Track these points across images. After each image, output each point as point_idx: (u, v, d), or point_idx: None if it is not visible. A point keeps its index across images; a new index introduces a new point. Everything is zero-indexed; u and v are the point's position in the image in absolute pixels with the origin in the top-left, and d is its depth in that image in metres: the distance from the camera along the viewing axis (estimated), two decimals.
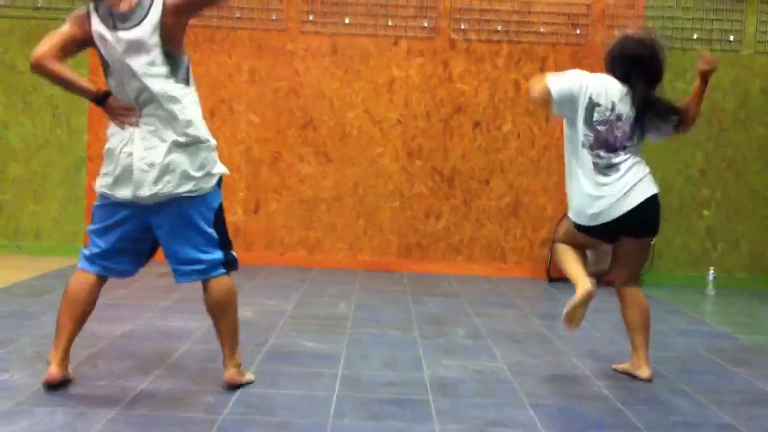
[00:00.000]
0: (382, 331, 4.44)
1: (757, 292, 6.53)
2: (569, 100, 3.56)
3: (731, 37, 6.66)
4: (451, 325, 4.72)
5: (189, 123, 3.05)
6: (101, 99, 3.12)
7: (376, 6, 6.63)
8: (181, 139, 3.03)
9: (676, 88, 6.66)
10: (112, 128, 3.17)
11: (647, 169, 3.65)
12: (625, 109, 3.55)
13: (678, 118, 3.66)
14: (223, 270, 3.17)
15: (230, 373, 3.23)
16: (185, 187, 3.04)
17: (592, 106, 3.54)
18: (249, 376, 3.36)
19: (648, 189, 3.61)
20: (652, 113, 3.59)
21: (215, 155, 3.16)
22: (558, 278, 6.58)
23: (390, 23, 6.63)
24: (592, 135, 3.56)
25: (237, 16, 6.59)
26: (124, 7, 3.00)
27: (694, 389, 3.59)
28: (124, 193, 3.06)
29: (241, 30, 6.59)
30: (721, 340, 4.67)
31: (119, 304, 4.81)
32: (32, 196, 6.69)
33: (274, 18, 6.60)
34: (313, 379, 3.44)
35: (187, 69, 3.11)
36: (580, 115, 3.56)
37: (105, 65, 3.10)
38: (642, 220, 3.61)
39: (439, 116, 6.69)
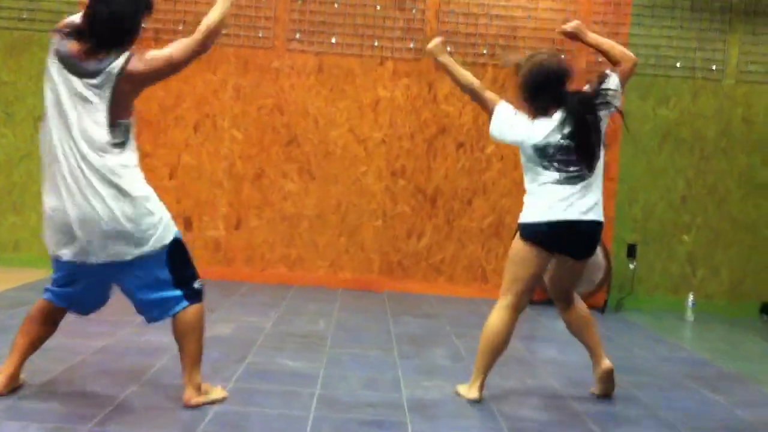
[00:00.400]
0: (362, 351, 4.42)
1: (736, 319, 6.56)
2: (512, 144, 3.68)
3: (714, 67, 6.74)
4: (431, 345, 4.70)
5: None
6: None
7: (363, 27, 6.65)
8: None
9: (658, 114, 6.74)
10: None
11: (600, 195, 3.64)
12: (570, 128, 3.52)
13: (605, 90, 3.62)
14: (185, 303, 3.16)
15: (187, 395, 3.20)
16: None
17: (541, 148, 3.55)
18: (217, 393, 3.31)
19: (600, 214, 3.62)
20: (593, 110, 3.57)
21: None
22: (538, 301, 6.58)
23: (376, 44, 6.65)
24: (553, 163, 3.55)
25: (223, 32, 6.57)
26: (90, 64, 2.98)
27: (672, 416, 3.59)
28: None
29: (227, 47, 6.59)
30: (701, 367, 4.68)
31: (95, 319, 4.73)
32: (12, 208, 6.63)
33: (260, 35, 6.61)
34: (291, 398, 3.41)
35: (127, 129, 3.09)
36: (533, 157, 3.58)
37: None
38: (589, 240, 3.63)
39: (424, 136, 6.70)
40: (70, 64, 3.00)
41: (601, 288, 6.45)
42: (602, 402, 3.73)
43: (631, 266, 6.66)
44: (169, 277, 3.12)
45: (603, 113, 3.60)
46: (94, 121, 2.98)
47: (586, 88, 3.71)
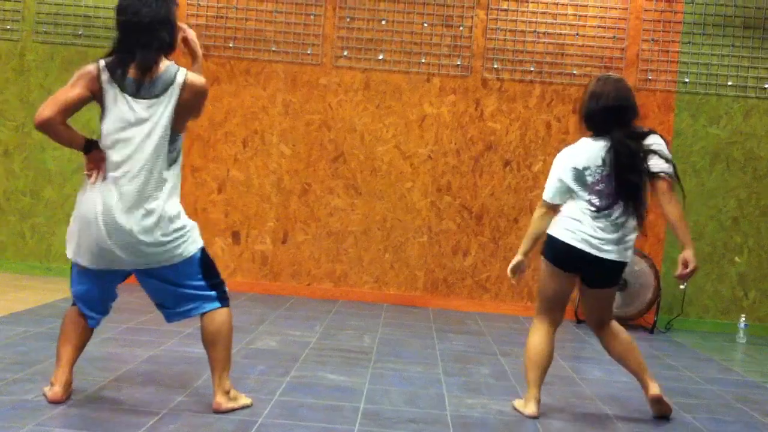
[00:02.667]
0: (406, 367, 4.41)
1: None
2: (562, 188, 3.60)
3: (766, 85, 6.62)
4: (476, 363, 4.67)
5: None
6: (87, 148, 3.19)
7: (409, 44, 6.69)
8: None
9: (709, 133, 6.63)
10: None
11: (633, 235, 3.61)
12: (610, 157, 3.51)
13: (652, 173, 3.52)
14: (217, 304, 3.29)
15: (217, 400, 3.27)
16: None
17: (579, 173, 3.54)
18: (244, 399, 3.38)
19: (624, 255, 3.60)
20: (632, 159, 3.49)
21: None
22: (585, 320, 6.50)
23: (423, 60, 6.68)
24: (589, 191, 3.55)
25: (273, 49, 6.68)
26: (147, 80, 3.10)
27: None
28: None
29: (276, 63, 6.68)
30: (751, 390, 4.58)
31: (143, 329, 4.83)
32: (65, 219, 6.76)
33: (309, 52, 6.69)
34: (334, 413, 3.42)
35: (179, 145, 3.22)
36: (572, 180, 3.57)
37: (103, 112, 3.17)
38: (605, 275, 3.63)
39: (470, 153, 6.70)
40: (136, 86, 3.11)
41: (650, 308, 6.34)
42: (648, 422, 3.66)
43: (682, 287, 6.54)
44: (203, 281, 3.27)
45: (647, 165, 3.51)
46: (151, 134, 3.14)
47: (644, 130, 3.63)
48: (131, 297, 5.91)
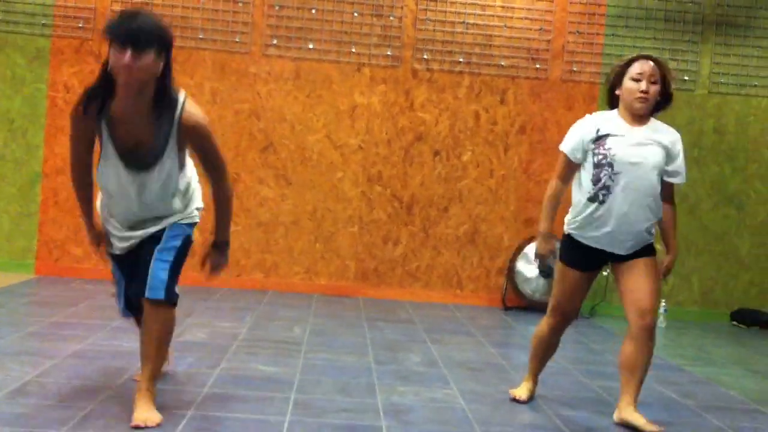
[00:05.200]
0: (337, 356, 4.43)
1: (706, 325, 6.65)
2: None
3: (686, 77, 6.84)
4: (406, 351, 4.72)
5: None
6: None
7: (340, 33, 6.67)
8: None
9: None
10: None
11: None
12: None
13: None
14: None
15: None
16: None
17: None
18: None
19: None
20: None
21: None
22: (513, 306, 6.63)
23: (354, 50, 6.68)
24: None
25: (200, 37, 6.58)
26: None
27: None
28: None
29: (203, 51, 6.59)
30: (671, 372, 4.74)
31: (68, 323, 4.72)
32: None
33: (237, 40, 6.61)
34: (265, 403, 3.41)
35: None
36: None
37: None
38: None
39: (400, 144, 6.73)
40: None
41: None
42: (574, 405, 3.76)
43: (605, 273, 6.69)
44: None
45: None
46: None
47: None
48: (56, 290, 5.77)
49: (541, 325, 3.75)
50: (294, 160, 6.68)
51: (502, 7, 6.73)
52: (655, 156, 3.51)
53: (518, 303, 6.67)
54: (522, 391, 3.78)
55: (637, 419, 3.39)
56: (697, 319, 6.85)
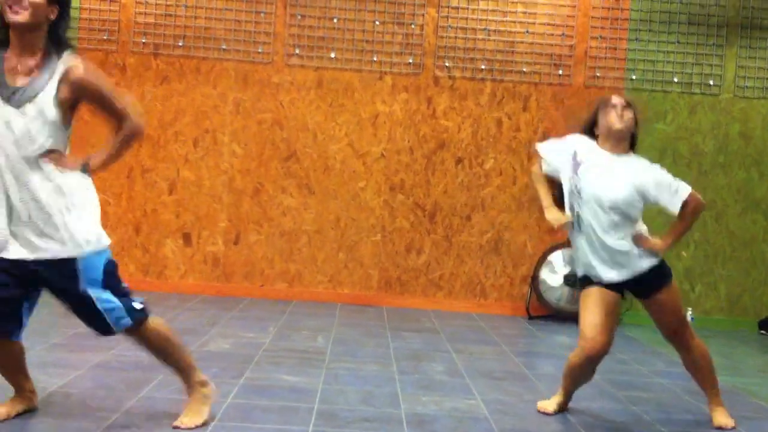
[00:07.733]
0: (360, 366, 4.41)
1: (734, 334, 6.55)
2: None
3: (711, 82, 6.76)
4: (430, 361, 4.69)
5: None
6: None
7: (361, 42, 6.68)
8: None
9: (656, 129, 6.75)
10: None
11: None
12: None
13: None
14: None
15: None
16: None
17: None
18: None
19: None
20: None
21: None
22: (537, 315, 6.58)
23: (375, 59, 6.68)
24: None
25: (223, 47, 6.62)
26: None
27: (670, 431, 3.58)
28: None
29: (226, 61, 6.62)
30: None
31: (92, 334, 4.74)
32: None
33: (260, 51, 6.64)
34: (289, 413, 3.41)
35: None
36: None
37: None
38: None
39: (422, 152, 6.72)
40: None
41: None
42: (601, 417, 3.72)
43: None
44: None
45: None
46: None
47: None
48: None
49: (573, 355, 3.62)
50: (317, 169, 6.69)
51: (524, 13, 6.71)
52: (620, 193, 3.55)
53: (542, 312, 6.61)
54: (550, 404, 3.73)
55: (716, 418, 3.68)
56: (725, 327, 6.75)
